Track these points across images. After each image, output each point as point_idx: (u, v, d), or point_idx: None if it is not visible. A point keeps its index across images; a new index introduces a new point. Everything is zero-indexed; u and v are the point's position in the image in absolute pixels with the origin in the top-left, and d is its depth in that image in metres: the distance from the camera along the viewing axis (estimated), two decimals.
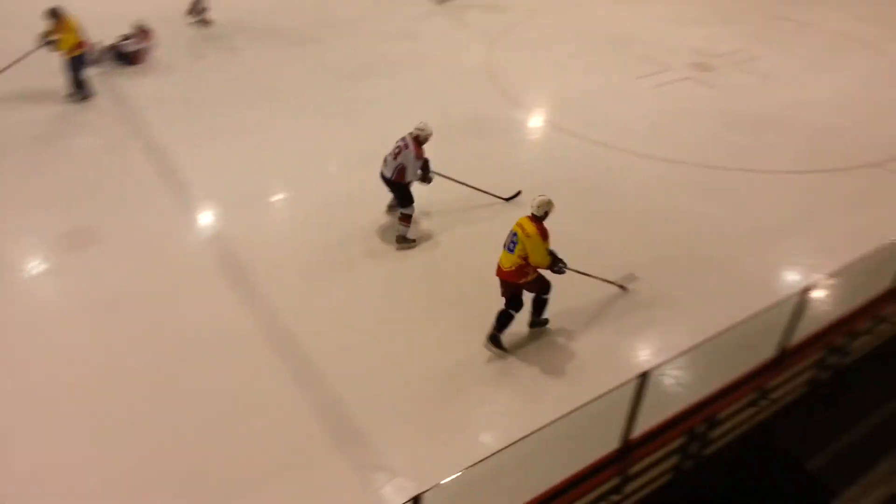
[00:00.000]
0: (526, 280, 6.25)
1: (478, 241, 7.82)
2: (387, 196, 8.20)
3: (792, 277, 7.86)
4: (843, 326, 6.34)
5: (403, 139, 7.65)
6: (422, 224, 8.25)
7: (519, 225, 6.16)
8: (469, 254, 7.73)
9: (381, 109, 11.06)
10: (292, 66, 12.51)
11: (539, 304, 6.62)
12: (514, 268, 6.17)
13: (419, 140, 7.59)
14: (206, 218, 8.62)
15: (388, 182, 7.77)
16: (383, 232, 8.12)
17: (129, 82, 11.66)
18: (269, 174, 9.42)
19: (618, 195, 9.17)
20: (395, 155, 7.61)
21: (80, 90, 10.90)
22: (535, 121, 11.36)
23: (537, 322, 6.75)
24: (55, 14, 10.37)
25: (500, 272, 6.31)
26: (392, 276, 7.46)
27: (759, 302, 5.98)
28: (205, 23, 13.99)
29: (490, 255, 6.44)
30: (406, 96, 11.56)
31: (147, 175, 9.20)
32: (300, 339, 6.51)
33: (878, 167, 9.89)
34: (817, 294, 6.88)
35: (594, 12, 15.45)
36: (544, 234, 6.11)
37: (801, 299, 5.92)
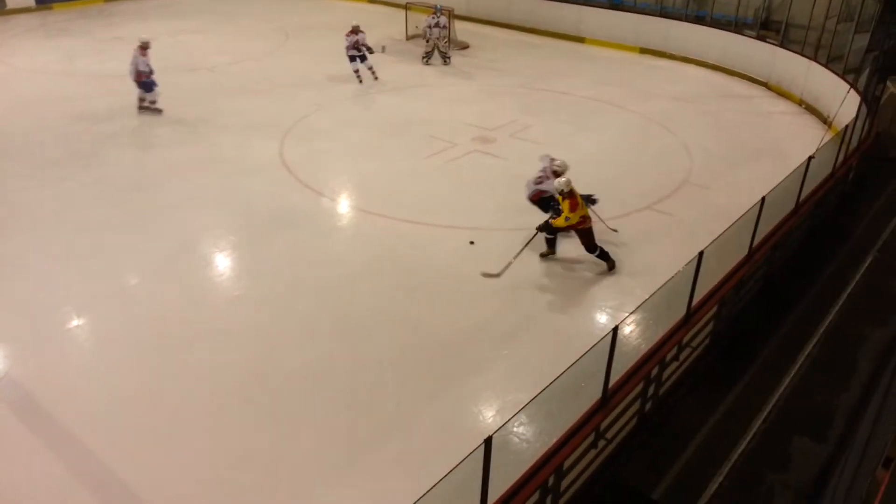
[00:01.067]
0: None
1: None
2: None
3: (601, 320, 8.59)
4: (653, 357, 6.98)
5: (544, 170, 9.81)
6: None
7: None
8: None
9: (180, 215, 10.64)
10: (63, 186, 11.64)
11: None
12: None
13: (557, 173, 9.62)
14: None
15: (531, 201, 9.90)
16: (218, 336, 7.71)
17: None
18: (54, 304, 8.64)
19: (432, 267, 9.51)
20: (538, 181, 9.82)
21: None
22: (342, 207, 11.51)
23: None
24: None
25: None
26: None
27: (580, 350, 6.44)
28: None
29: None
30: (204, 199, 11.24)
31: None
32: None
33: (648, 209, 11.18)
34: (626, 331, 7.56)
35: (372, 102, 16.12)
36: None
37: (612, 338, 6.46)
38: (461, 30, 20.88)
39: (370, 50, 16.82)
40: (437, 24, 18.43)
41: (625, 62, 19.55)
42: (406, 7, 20.21)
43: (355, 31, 16.64)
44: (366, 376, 7.55)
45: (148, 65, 14.17)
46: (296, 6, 24.82)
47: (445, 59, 18.74)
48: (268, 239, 10.21)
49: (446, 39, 18.77)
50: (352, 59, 16.80)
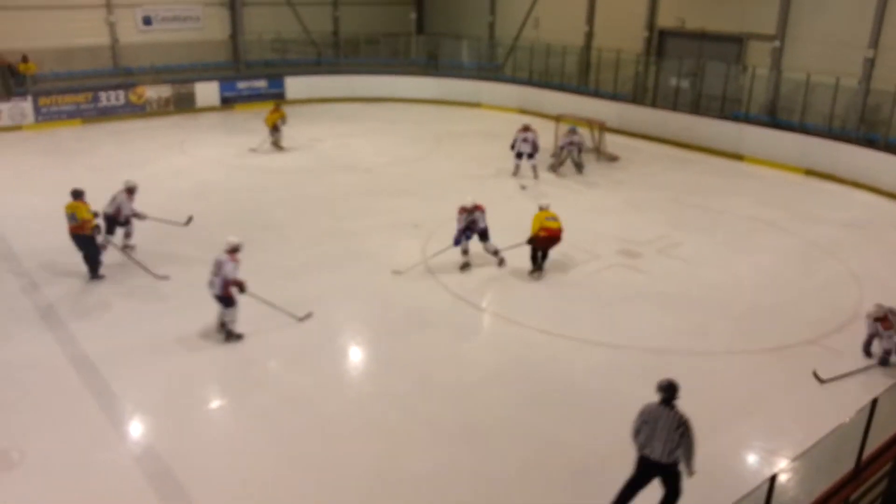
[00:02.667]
0: None
1: None
2: None
3: (752, 463, 7.75)
4: None
5: None
6: None
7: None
8: None
9: (323, 306, 10.99)
10: None
11: None
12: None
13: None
14: (137, 432, 8.10)
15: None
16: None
17: (55, 290, 11.33)
18: (200, 383, 9.03)
19: (566, 383, 9.10)
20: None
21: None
22: (478, 310, 11.40)
23: None
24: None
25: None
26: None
27: (722, 494, 5.80)
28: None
29: None
30: (347, 292, 11.60)
31: (73, 389, 8.67)
32: None
33: (813, 344, 10.20)
34: (781, 479, 6.73)
35: (516, 208, 16.17)
36: None
37: (769, 490, 5.74)
38: (612, 142, 20.89)
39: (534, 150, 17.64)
40: (570, 143, 18.67)
41: (787, 183, 18.61)
42: (557, 119, 20.56)
43: (526, 128, 17.77)
44: (490, 491, 7.17)
45: (132, 208, 12.50)
46: (450, 114, 25.93)
47: (579, 168, 18.80)
48: (403, 336, 10.27)
49: (579, 152, 18.81)
50: (518, 154, 17.74)
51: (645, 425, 6.56)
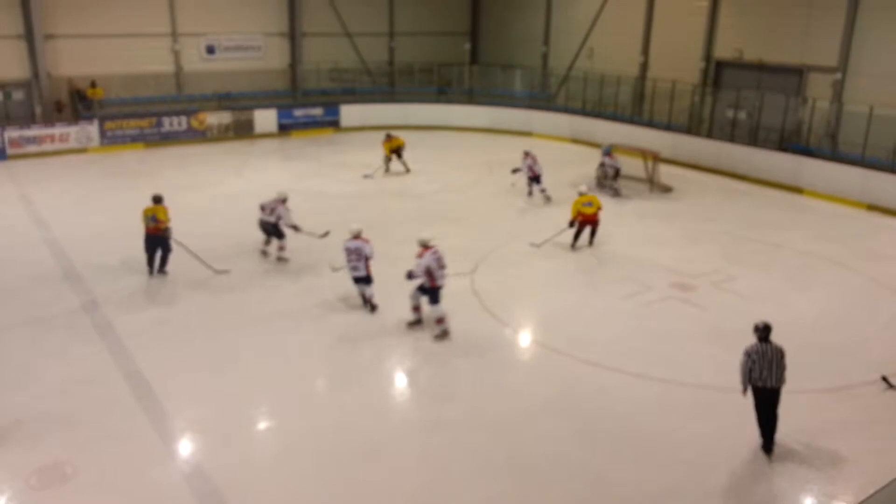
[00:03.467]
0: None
1: None
2: None
3: None
4: None
5: None
6: None
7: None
8: None
9: (370, 340, 11.03)
10: (269, 284, 12.66)
11: None
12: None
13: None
14: (187, 450, 8.21)
15: None
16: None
17: (113, 308, 11.68)
18: (251, 403, 9.15)
19: (615, 417, 8.91)
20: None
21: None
22: (525, 339, 11.33)
23: None
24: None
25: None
26: None
27: None
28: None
29: None
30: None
31: (127, 405, 8.87)
32: None
33: (876, 384, 9.78)
34: None
35: (565, 235, 16.06)
36: None
37: None
38: (665, 173, 20.62)
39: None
40: (602, 164, 19.25)
41: (849, 218, 18.03)
42: (611, 150, 20.38)
43: (526, 155, 18.49)
44: None
45: (291, 218, 13.67)
46: (501, 142, 25.99)
47: (615, 192, 18.98)
48: (450, 364, 10.21)
49: (615, 176, 19.04)
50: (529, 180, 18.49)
51: (755, 364, 7.93)
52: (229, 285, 12.69)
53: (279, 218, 13.56)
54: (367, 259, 11.31)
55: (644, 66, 25.91)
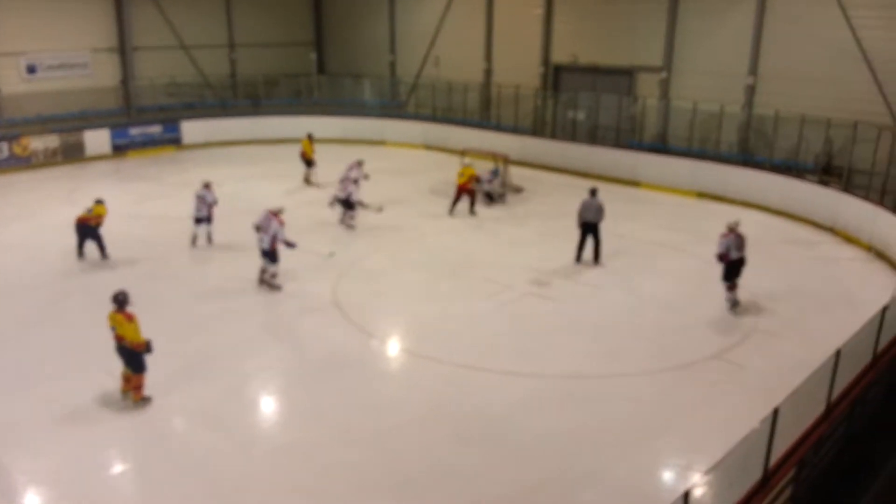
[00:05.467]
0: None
1: None
2: None
3: (668, 480, 7.87)
4: None
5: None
6: None
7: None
8: None
9: (230, 361, 10.56)
10: None
11: None
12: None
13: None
14: None
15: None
16: None
17: None
18: (99, 446, 8.41)
19: (487, 416, 9.03)
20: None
21: None
22: (393, 349, 11.27)
23: None
24: None
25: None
26: None
27: None
28: None
29: None
30: (259, 340, 11.22)
31: None
32: None
33: (716, 359, 10.56)
34: (696, 494, 6.83)
35: (427, 244, 16.20)
36: None
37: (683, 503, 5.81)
38: (516, 174, 21.30)
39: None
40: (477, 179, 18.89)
41: (682, 206, 19.46)
42: (462, 154, 20.81)
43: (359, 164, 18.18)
44: None
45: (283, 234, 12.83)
46: (355, 152, 25.78)
47: (489, 199, 19.16)
48: (317, 382, 9.96)
49: (500, 183, 19.30)
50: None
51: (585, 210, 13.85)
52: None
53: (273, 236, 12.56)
54: (274, 236, 12.38)
55: (488, 73, 26.68)
